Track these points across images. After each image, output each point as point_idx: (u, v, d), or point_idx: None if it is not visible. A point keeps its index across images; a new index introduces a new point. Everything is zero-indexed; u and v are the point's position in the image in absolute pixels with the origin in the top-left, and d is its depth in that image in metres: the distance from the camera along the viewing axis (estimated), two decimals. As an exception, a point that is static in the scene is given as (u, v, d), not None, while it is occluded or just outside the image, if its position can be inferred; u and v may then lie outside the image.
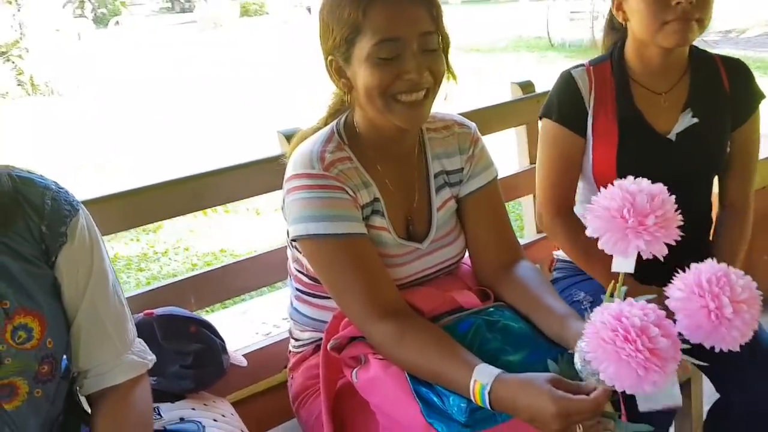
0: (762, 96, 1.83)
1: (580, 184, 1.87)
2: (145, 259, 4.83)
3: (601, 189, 1.09)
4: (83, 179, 6.49)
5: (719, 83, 1.80)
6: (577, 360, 1.12)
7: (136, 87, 13.39)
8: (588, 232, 1.08)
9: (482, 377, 1.19)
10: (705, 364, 1.16)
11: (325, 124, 1.49)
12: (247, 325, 2.00)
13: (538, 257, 2.14)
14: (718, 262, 1.72)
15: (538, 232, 2.23)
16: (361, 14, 1.29)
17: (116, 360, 1.23)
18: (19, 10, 13.78)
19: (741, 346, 1.63)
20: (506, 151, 2.25)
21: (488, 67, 11.79)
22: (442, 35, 1.37)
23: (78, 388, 1.24)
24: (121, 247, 4.97)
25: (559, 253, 1.98)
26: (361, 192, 1.40)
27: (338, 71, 1.38)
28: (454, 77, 1.42)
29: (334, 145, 1.40)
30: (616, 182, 1.08)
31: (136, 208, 1.58)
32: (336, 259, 1.36)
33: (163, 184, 1.62)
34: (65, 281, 1.18)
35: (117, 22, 28.74)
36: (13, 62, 13.37)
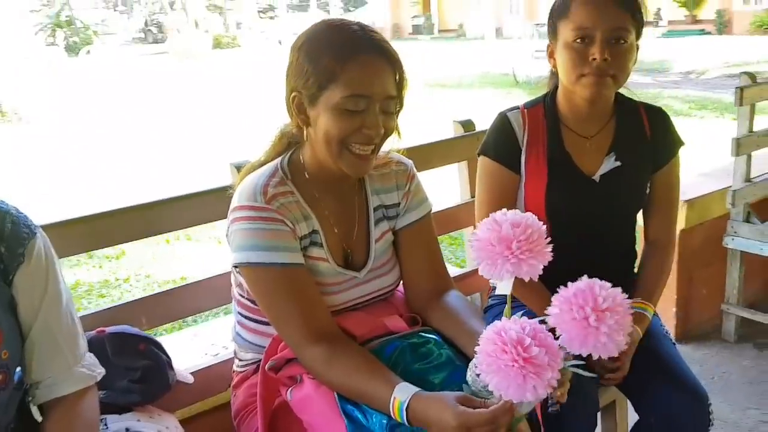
0: (681, 143, 1.97)
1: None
2: (107, 285, 4.89)
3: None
4: (43, 204, 6.52)
5: (641, 130, 1.94)
6: (468, 376, 1.24)
7: (104, 115, 13.45)
8: (472, 262, 1.20)
9: (401, 394, 1.30)
10: (592, 375, 1.27)
11: (269, 158, 1.59)
12: (196, 347, 2.08)
13: (477, 286, 2.26)
14: (639, 292, 1.87)
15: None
16: (340, 66, 1.40)
17: (67, 372, 1.31)
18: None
19: (656, 370, 1.77)
20: (449, 185, 2.38)
21: (454, 102, 12.04)
22: (400, 101, 1.49)
23: (30, 398, 1.32)
24: (83, 274, 5.03)
25: (496, 282, 2.10)
26: (300, 224, 1.50)
27: (299, 107, 1.47)
28: (399, 135, 1.55)
29: (277, 179, 1.51)
30: (491, 215, 1.21)
31: (95, 232, 1.67)
32: (273, 286, 1.46)
33: (121, 210, 1.70)
34: (21, 299, 1.27)
35: (88, 51, 28.76)
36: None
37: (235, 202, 1.50)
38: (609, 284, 1.13)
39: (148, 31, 42.53)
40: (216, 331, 2.15)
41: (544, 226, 1.20)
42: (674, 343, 1.94)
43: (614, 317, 1.09)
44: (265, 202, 1.46)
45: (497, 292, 1.23)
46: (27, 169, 9.17)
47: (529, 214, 1.21)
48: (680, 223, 3.16)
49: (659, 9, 30.35)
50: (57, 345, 1.31)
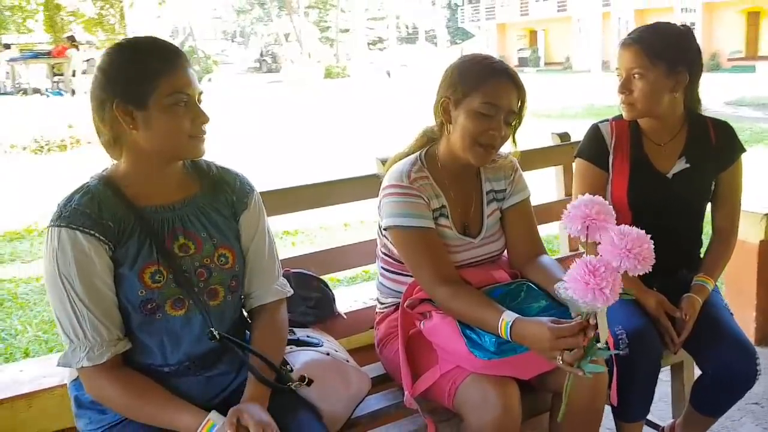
0: (742, 149, 2.39)
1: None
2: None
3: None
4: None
5: (707, 139, 2.38)
6: (560, 290, 1.65)
7: (224, 135, 14.50)
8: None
9: (507, 317, 1.79)
10: (630, 295, 1.67)
11: (411, 150, 2.13)
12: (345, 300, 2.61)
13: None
14: (703, 269, 2.28)
15: (571, 250, 2.83)
16: (482, 82, 1.93)
17: (268, 287, 1.86)
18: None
19: (713, 332, 2.18)
20: (547, 185, 2.88)
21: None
22: (519, 117, 2.00)
23: (244, 305, 1.88)
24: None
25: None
26: (433, 200, 2.03)
27: (445, 108, 2.00)
28: (515, 144, 2.08)
29: (417, 167, 2.05)
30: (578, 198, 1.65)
31: (280, 201, 2.26)
32: (414, 243, 1.98)
33: (299, 187, 2.33)
34: (243, 233, 1.83)
35: (210, 79, 30.51)
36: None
37: (386, 182, 2.04)
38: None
39: (263, 61, 44.59)
40: (357, 292, 2.70)
41: (611, 206, 1.64)
42: (731, 313, 2.34)
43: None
44: (409, 183, 2.00)
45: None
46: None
47: (598, 197, 1.64)
48: (760, 235, 3.49)
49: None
50: (262, 267, 1.86)
